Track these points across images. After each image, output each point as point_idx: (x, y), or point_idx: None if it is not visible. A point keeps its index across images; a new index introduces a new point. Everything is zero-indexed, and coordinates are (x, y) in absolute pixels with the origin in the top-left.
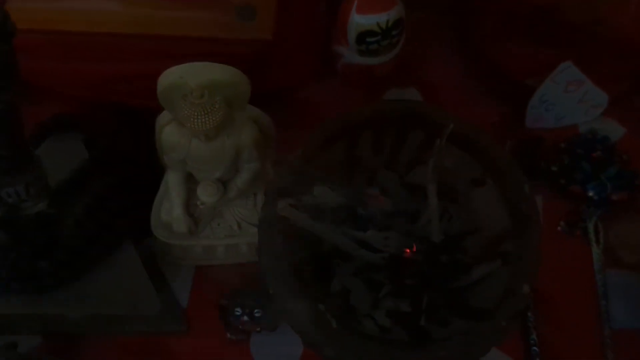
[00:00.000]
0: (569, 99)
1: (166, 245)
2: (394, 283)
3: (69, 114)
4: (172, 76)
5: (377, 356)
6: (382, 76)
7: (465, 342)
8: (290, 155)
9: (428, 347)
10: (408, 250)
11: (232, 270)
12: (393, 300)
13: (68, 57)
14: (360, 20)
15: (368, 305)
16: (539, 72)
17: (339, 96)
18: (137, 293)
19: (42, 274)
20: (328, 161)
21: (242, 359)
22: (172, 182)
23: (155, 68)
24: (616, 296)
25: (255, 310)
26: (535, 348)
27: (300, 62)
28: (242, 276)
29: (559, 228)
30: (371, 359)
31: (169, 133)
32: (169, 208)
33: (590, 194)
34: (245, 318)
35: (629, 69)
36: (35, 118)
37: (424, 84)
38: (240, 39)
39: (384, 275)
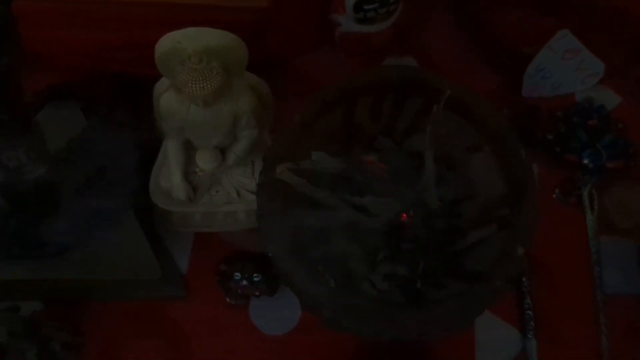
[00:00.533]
0: (565, 67)
1: (165, 213)
2: (391, 248)
3: (67, 83)
4: (170, 41)
5: (375, 316)
6: (380, 44)
7: (461, 302)
8: (288, 121)
9: (424, 307)
10: (405, 216)
11: (231, 237)
12: (390, 264)
13: (66, 25)
14: None
15: (366, 269)
16: (536, 40)
17: (337, 65)
18: (138, 259)
19: (43, 240)
20: (326, 128)
21: (241, 323)
22: (170, 149)
23: (153, 36)
24: (609, 262)
25: (255, 275)
26: (529, 312)
27: (298, 30)
28: (240, 243)
29: (554, 196)
30: (369, 319)
31: (167, 100)
32: (167, 175)
33: (586, 162)
34: (245, 282)
35: (626, 38)
36: (33, 87)
37: (422, 53)
38: (237, 6)
39: (381, 240)
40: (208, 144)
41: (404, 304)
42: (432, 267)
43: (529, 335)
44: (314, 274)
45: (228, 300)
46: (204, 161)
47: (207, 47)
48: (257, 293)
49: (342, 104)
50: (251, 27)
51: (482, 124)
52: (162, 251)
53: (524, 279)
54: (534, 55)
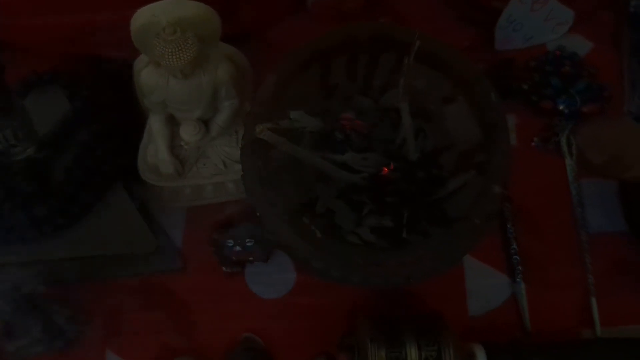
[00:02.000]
0: (535, 17)
1: (156, 189)
2: (375, 202)
3: (49, 69)
4: (144, 15)
5: (363, 262)
6: (353, 10)
7: (442, 241)
8: (264, 82)
9: (409, 248)
10: (386, 169)
11: (221, 208)
12: (375, 218)
13: (42, 10)
14: None
15: (352, 223)
16: None
17: (311, 33)
18: (132, 232)
19: (37, 221)
20: (303, 89)
21: (238, 290)
22: (154, 125)
23: (129, 17)
24: (591, 203)
25: (247, 240)
26: (516, 257)
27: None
28: (232, 213)
29: (533, 144)
30: (357, 266)
31: (147, 75)
32: (154, 151)
33: (561, 107)
34: (238, 248)
35: None
36: (16, 77)
37: (395, 16)
38: None
39: (365, 195)
40: (190, 117)
41: (390, 249)
42: (416, 217)
43: (518, 280)
44: (300, 226)
45: (224, 269)
46: (188, 134)
47: (181, 18)
48: (251, 258)
49: (315, 64)
50: None
51: (454, 73)
52: (156, 227)
53: (509, 225)
54: (503, 8)
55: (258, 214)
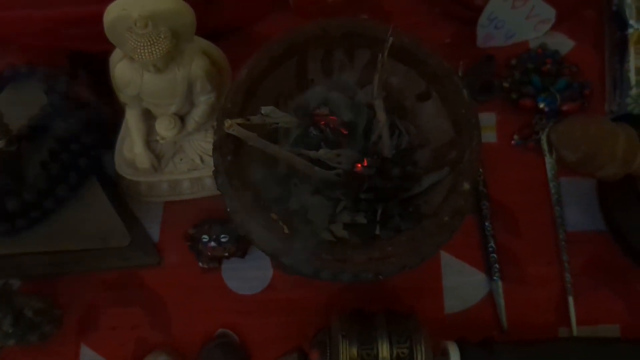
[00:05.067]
0: (517, 15)
1: (132, 183)
2: (349, 198)
3: (24, 63)
4: (116, 9)
5: (331, 258)
6: (335, 5)
7: (412, 238)
8: (236, 77)
9: (377, 244)
10: (359, 165)
11: (199, 204)
12: (349, 214)
13: (18, 3)
14: None
15: (326, 220)
16: None
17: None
18: (106, 227)
19: (12, 215)
20: (278, 84)
21: (215, 286)
22: (130, 119)
23: (103, 9)
24: (569, 201)
25: (222, 236)
26: (494, 255)
27: None
28: (208, 209)
29: (513, 142)
30: (325, 262)
31: (121, 70)
32: (130, 146)
33: (541, 106)
34: (213, 244)
35: None
36: None
37: (377, 11)
38: None
39: (340, 191)
40: (166, 112)
41: (359, 245)
42: (390, 213)
43: (495, 278)
44: (268, 222)
45: (201, 264)
46: (163, 128)
47: (153, 12)
48: (227, 254)
49: (290, 59)
50: None
51: (426, 69)
52: (132, 220)
53: (487, 223)
54: (485, 5)
55: (227, 209)
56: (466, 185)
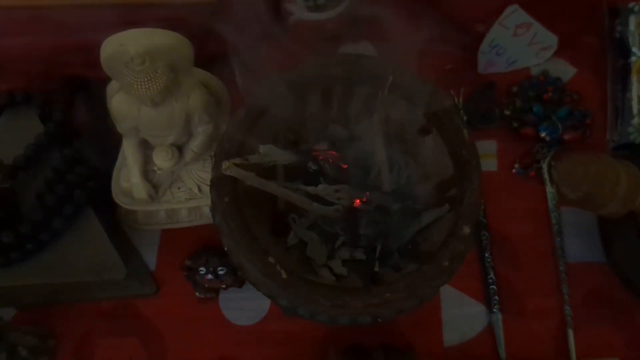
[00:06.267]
0: (518, 42)
1: (129, 212)
2: (348, 234)
3: (22, 90)
4: (113, 44)
5: (328, 303)
6: (334, 32)
7: (410, 283)
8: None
9: (375, 291)
10: (358, 201)
11: (196, 232)
12: (348, 250)
13: (17, 31)
14: None
15: (324, 256)
16: (488, 16)
17: (292, 55)
18: (102, 259)
19: (7, 247)
20: (277, 119)
21: (212, 316)
22: (127, 149)
23: (101, 38)
24: (570, 232)
25: (219, 268)
26: (493, 287)
27: (247, 23)
28: (206, 237)
29: (513, 170)
30: (323, 306)
31: (118, 101)
32: (127, 175)
33: (543, 134)
34: (210, 276)
35: (575, 7)
36: None
37: (377, 37)
38: (185, 2)
39: (339, 227)
40: (164, 142)
41: (358, 289)
42: (389, 250)
43: (494, 310)
44: (266, 267)
45: (197, 294)
46: (161, 159)
47: (150, 47)
48: (224, 286)
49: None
50: (199, 23)
51: (426, 106)
52: (129, 250)
53: (486, 254)
54: (486, 32)
55: (225, 248)
56: (466, 229)
